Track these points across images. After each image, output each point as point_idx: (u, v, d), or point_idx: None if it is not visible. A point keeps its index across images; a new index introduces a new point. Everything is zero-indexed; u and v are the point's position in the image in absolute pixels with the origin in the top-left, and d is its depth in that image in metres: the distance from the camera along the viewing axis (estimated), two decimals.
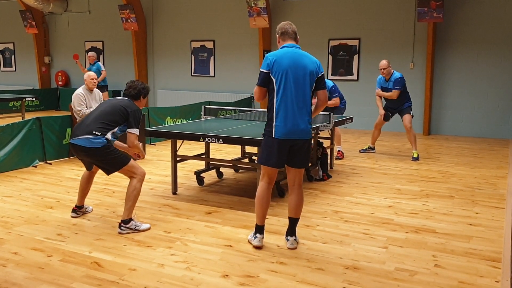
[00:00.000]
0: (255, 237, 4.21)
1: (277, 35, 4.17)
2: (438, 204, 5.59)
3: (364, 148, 8.96)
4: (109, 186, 6.22)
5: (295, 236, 4.24)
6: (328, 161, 7.07)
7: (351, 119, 7.88)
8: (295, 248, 4.17)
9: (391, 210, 5.37)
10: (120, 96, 5.07)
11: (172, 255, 4.04)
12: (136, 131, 4.67)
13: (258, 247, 4.17)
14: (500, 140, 10.51)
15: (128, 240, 4.37)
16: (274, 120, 3.99)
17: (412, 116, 8.41)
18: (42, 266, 3.80)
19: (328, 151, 7.14)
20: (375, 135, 8.86)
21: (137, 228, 4.62)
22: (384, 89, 8.43)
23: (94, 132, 4.51)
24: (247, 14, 12.72)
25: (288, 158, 4.09)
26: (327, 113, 6.63)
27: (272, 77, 3.98)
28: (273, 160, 4.06)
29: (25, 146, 7.26)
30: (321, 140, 6.91)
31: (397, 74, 8.29)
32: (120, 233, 4.55)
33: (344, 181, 6.65)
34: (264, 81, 4.02)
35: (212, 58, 14.13)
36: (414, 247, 4.27)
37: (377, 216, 5.15)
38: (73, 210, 5.08)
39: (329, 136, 7.51)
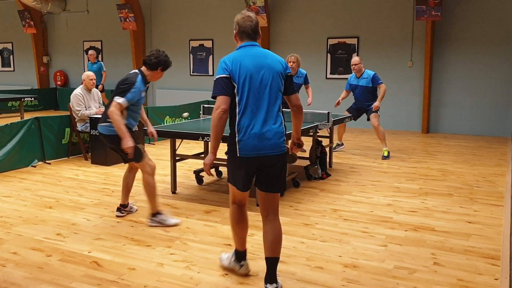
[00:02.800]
0: (241, 265, 3.60)
1: (234, 31, 3.53)
2: (437, 202, 5.60)
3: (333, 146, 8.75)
4: (108, 186, 6.22)
5: (277, 283, 3.34)
6: (327, 159, 7.08)
7: (350, 117, 7.89)
8: None
9: (390, 208, 5.38)
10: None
11: (171, 254, 4.04)
12: (118, 99, 4.49)
13: (246, 275, 3.61)
14: (498, 138, 10.52)
15: (127, 240, 4.37)
16: (237, 135, 3.25)
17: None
18: (41, 266, 3.80)
19: (327, 149, 7.14)
20: (341, 131, 8.81)
21: (163, 222, 4.74)
22: (353, 86, 8.38)
23: (107, 119, 4.56)
24: None
25: (258, 180, 3.37)
26: (326, 111, 6.64)
27: (233, 83, 3.26)
28: (239, 184, 3.37)
29: (24, 146, 7.26)
30: (320, 138, 6.91)
31: (370, 72, 8.27)
32: (150, 225, 4.71)
33: (343, 180, 6.66)
34: (226, 87, 3.23)
35: (210, 57, 14.13)
36: (413, 245, 4.27)
37: (376, 214, 5.15)
38: (118, 209, 5.05)
39: (328, 135, 7.52)
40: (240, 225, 3.53)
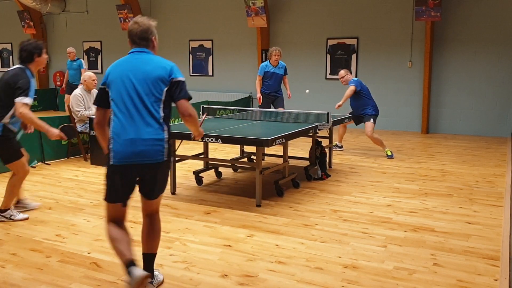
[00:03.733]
0: (133, 275, 3.02)
1: None
2: (436, 203, 5.60)
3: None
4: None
5: (151, 277, 3.35)
6: (327, 160, 7.08)
7: (349, 118, 7.89)
8: None
9: (389, 209, 5.38)
10: None
11: (171, 255, 4.04)
12: (24, 99, 4.39)
13: (140, 280, 3.05)
14: (498, 138, 10.52)
15: None
16: (111, 142, 3.12)
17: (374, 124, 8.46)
18: (41, 267, 3.80)
19: (327, 150, 7.14)
20: (341, 133, 8.95)
21: (12, 217, 4.87)
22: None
23: None
24: (245, 14, 12.71)
25: (139, 187, 3.27)
26: (325, 112, 6.64)
27: (108, 91, 3.21)
28: (112, 195, 3.18)
29: (24, 146, 7.22)
30: (319, 139, 6.91)
31: (350, 78, 8.67)
32: None
33: (343, 180, 6.65)
34: (101, 98, 3.24)
35: (210, 57, 14.13)
36: (412, 245, 4.27)
37: (376, 215, 5.15)
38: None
39: (328, 136, 7.51)
40: (119, 239, 3.19)
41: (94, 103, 3.36)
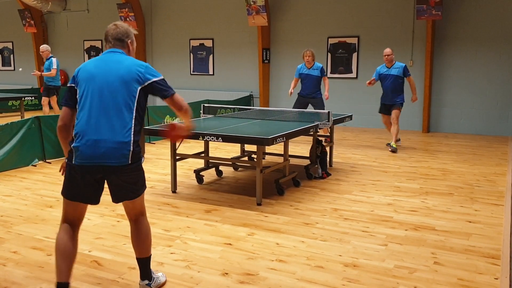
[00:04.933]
0: None
1: None
2: (437, 202, 5.60)
3: (389, 143, 9.05)
4: None
5: (149, 279, 3.34)
6: (328, 159, 7.07)
7: (350, 117, 7.89)
8: None
9: (390, 207, 5.38)
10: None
11: (171, 253, 4.04)
12: None
13: None
14: (499, 137, 10.52)
15: (127, 239, 4.36)
16: (74, 141, 3.04)
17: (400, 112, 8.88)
18: (42, 265, 3.81)
19: (328, 149, 7.14)
20: (389, 128, 9.16)
21: None
22: (383, 76, 8.85)
23: None
24: (246, 12, 12.71)
25: (110, 191, 3.16)
26: (326, 111, 6.64)
27: (77, 90, 3.12)
28: (70, 192, 3.13)
29: (25, 145, 7.26)
30: (320, 138, 6.91)
31: (400, 63, 8.92)
32: None
33: (344, 179, 6.65)
34: (69, 98, 3.14)
35: (211, 56, 14.12)
36: (413, 244, 4.27)
37: (376, 213, 5.15)
38: None
39: (328, 134, 7.51)
40: (63, 251, 3.06)
41: (61, 103, 3.22)
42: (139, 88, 3.07)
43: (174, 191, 5.96)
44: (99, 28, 15.77)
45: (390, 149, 8.67)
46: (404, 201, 5.63)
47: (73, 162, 3.03)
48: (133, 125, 3.04)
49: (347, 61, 12.19)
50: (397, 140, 9.03)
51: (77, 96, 3.09)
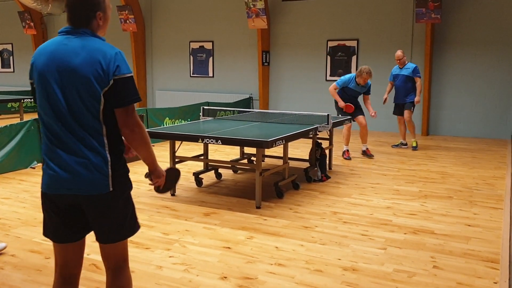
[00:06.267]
0: None
1: None
2: (436, 205, 5.59)
3: (396, 144, 9.53)
4: None
5: None
6: (327, 162, 7.07)
7: (349, 119, 7.89)
8: None
9: (389, 211, 5.37)
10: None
11: (170, 257, 4.03)
12: None
13: None
14: (498, 140, 10.52)
15: None
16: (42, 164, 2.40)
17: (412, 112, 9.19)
18: (40, 268, 3.79)
19: (327, 151, 7.13)
20: (402, 130, 9.44)
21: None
22: (395, 76, 9.22)
23: None
24: (245, 15, 12.72)
25: (90, 224, 2.44)
26: (325, 114, 6.63)
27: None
28: (46, 229, 2.47)
29: (23, 147, 7.26)
30: (320, 141, 6.91)
31: (412, 64, 9.20)
32: None
33: (343, 182, 6.65)
34: (34, 95, 2.42)
35: (211, 59, 14.13)
36: (412, 248, 4.27)
37: (375, 217, 5.15)
38: None
39: (328, 137, 7.51)
40: None
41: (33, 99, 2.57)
42: (104, 88, 2.25)
43: (173, 194, 5.95)
44: None
45: (411, 148, 9.20)
46: (403, 204, 5.63)
47: (41, 189, 2.46)
48: (106, 139, 2.34)
49: (346, 64, 12.20)
50: (404, 144, 9.42)
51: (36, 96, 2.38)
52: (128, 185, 2.46)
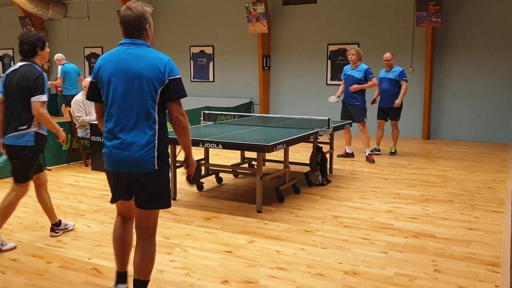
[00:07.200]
0: None
1: None
2: (437, 209, 5.59)
3: (370, 149, 9.06)
4: (109, 192, 6.18)
5: None
6: (328, 166, 7.07)
7: (350, 123, 7.90)
8: None
9: (390, 215, 5.37)
10: None
11: (171, 261, 4.03)
12: (39, 97, 4.04)
13: None
14: (499, 144, 10.52)
15: None
16: (104, 146, 3.03)
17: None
18: (41, 272, 3.80)
19: (328, 156, 7.14)
20: (379, 136, 9.17)
21: (67, 227, 4.77)
22: (381, 79, 8.98)
23: (21, 126, 4.09)
24: (246, 20, 12.75)
25: (134, 192, 3.07)
26: (326, 118, 6.64)
27: (99, 87, 3.01)
28: (113, 194, 3.17)
29: None
30: (320, 145, 6.91)
31: (399, 67, 9.00)
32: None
33: (344, 186, 6.65)
34: (92, 93, 3.04)
35: (211, 63, 14.15)
36: (413, 252, 4.27)
37: (376, 221, 5.15)
38: (52, 229, 4.69)
39: (329, 141, 7.52)
40: (119, 241, 3.22)
41: (86, 97, 3.16)
42: (161, 86, 2.91)
43: (174, 198, 5.95)
44: (99, 35, 15.83)
45: (389, 154, 8.93)
46: (404, 208, 5.63)
47: (105, 167, 3.11)
48: (158, 127, 2.97)
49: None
50: (377, 150, 9.15)
51: (102, 97, 3.00)
52: (168, 162, 3.07)
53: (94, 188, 6.51)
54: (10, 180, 6.81)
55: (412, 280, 3.69)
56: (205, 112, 7.37)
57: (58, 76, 11.12)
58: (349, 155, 8.77)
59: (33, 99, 4.04)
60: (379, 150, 9.11)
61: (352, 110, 8.43)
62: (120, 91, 2.90)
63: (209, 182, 6.72)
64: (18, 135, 4.13)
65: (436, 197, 6.12)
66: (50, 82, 11.73)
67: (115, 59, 2.96)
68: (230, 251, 4.25)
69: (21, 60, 4.26)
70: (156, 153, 2.93)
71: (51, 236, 4.64)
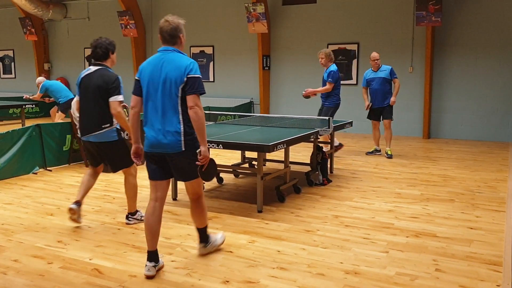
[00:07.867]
0: (146, 265, 3.76)
1: None
2: (438, 208, 5.59)
3: (370, 151, 9.15)
4: (109, 193, 6.22)
5: (205, 242, 4.14)
6: (328, 165, 7.07)
7: (350, 123, 7.89)
8: (204, 254, 4.12)
9: (391, 214, 5.37)
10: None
11: (172, 261, 4.03)
12: (117, 97, 4.59)
13: (147, 277, 3.69)
14: (499, 143, 10.52)
15: (128, 247, 4.37)
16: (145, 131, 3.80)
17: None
18: (42, 273, 3.80)
19: (328, 155, 7.13)
20: (377, 136, 9.08)
21: (142, 218, 4.87)
22: (371, 80, 8.90)
23: (105, 124, 4.61)
24: (246, 20, 12.75)
25: (172, 171, 3.83)
26: (326, 117, 6.64)
27: (141, 85, 3.75)
28: (148, 172, 3.85)
29: (25, 153, 7.26)
30: (321, 144, 6.91)
31: (387, 66, 8.97)
32: (127, 223, 4.95)
33: (344, 186, 6.65)
34: (135, 88, 3.78)
35: (211, 63, 14.16)
36: (414, 251, 4.26)
37: (377, 220, 5.14)
38: (127, 217, 5.04)
39: (329, 141, 7.51)
40: (149, 222, 3.79)
41: (133, 92, 3.78)
42: (183, 85, 3.59)
43: (174, 199, 5.95)
44: (99, 35, 15.71)
45: (386, 156, 8.73)
46: (405, 207, 5.62)
47: (144, 149, 3.83)
48: (182, 117, 3.64)
49: (347, 67, 12.22)
50: (378, 151, 9.08)
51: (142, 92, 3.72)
52: (196, 145, 3.67)
53: (95, 188, 6.49)
54: (10, 180, 6.85)
55: (413, 279, 3.69)
56: (206, 112, 7.35)
57: (38, 92, 10.40)
58: (377, 152, 9.07)
59: (111, 99, 4.58)
60: (379, 151, 9.09)
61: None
62: (154, 88, 3.64)
63: (209, 182, 6.72)
64: (104, 133, 4.67)
65: (437, 196, 6.12)
66: (27, 95, 11.98)
67: (152, 64, 3.71)
68: (231, 251, 4.25)
69: (94, 64, 4.89)
70: (182, 137, 3.62)
71: (126, 224, 4.98)
